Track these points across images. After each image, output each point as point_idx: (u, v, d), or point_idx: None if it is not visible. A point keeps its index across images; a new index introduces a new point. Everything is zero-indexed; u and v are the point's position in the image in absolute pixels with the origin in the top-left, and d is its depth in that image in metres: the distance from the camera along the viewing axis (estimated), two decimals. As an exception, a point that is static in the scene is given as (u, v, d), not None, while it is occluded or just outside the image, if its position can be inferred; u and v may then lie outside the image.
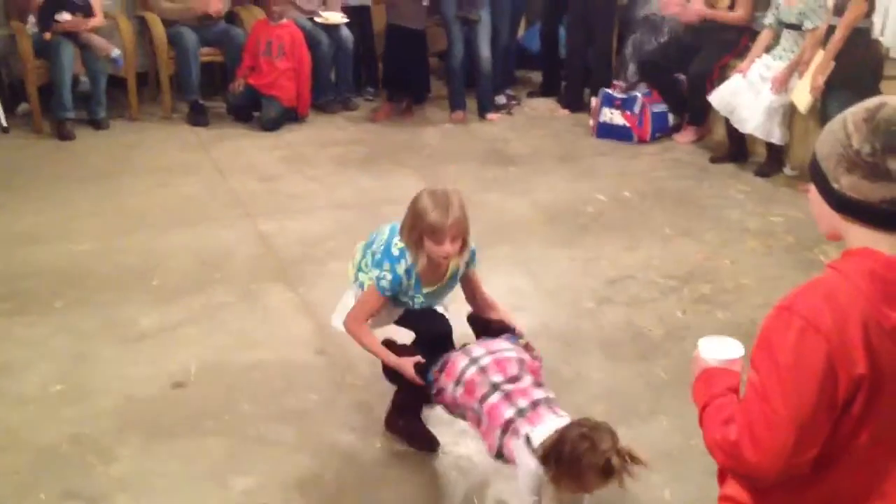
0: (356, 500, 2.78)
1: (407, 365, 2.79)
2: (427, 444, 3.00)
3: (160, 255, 4.39)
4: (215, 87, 6.92)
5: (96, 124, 6.26)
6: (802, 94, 5.01)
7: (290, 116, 6.46)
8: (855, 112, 1.40)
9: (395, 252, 2.76)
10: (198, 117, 6.44)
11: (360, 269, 2.94)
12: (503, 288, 4.07)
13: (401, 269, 2.75)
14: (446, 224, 2.63)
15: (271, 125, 6.31)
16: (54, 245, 4.47)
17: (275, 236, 4.64)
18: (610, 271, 4.25)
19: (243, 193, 5.18)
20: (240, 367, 3.46)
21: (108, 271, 4.22)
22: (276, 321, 3.81)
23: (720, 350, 1.65)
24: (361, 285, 2.88)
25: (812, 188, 1.48)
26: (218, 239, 4.59)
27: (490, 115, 6.64)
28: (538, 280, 4.17)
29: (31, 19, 6.12)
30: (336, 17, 6.71)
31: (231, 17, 6.85)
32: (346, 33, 6.70)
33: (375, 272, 2.78)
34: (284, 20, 6.38)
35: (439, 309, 3.03)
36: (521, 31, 7.60)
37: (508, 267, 4.28)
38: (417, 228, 2.68)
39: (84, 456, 2.94)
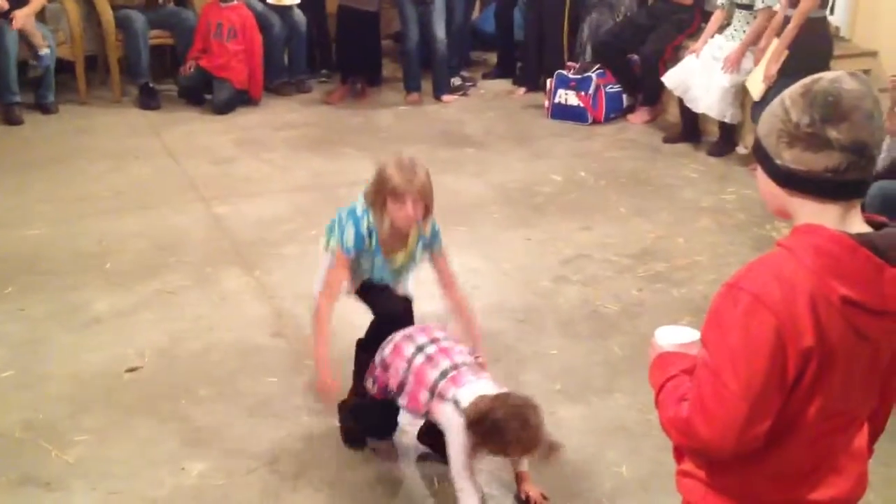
0: (316, 482, 2.78)
1: (324, 376, 2.78)
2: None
3: (113, 239, 4.33)
4: (166, 69, 6.82)
5: (45, 108, 6.13)
6: (756, 82, 5.07)
7: (243, 99, 6.38)
8: (792, 89, 1.43)
9: (359, 212, 2.78)
10: (148, 100, 6.33)
11: (329, 235, 2.92)
12: (460, 268, 4.06)
13: (363, 226, 2.76)
14: (410, 186, 2.66)
15: (224, 108, 6.24)
16: (5, 231, 4.39)
17: (229, 220, 4.59)
18: (566, 251, 4.28)
19: (197, 177, 5.12)
20: (195, 351, 3.43)
21: (61, 256, 4.15)
22: (232, 305, 3.78)
23: (676, 336, 1.68)
24: (333, 251, 2.87)
25: (758, 168, 1.50)
26: (172, 223, 4.54)
27: (445, 97, 6.63)
28: (494, 260, 4.19)
29: None
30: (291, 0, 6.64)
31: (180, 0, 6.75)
32: (298, 15, 6.64)
33: (339, 234, 2.79)
34: (235, 2, 6.29)
35: (404, 289, 3.02)
36: (476, 13, 7.60)
37: (465, 247, 4.28)
38: (382, 192, 2.70)
39: (38, 441, 2.90)
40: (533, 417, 2.39)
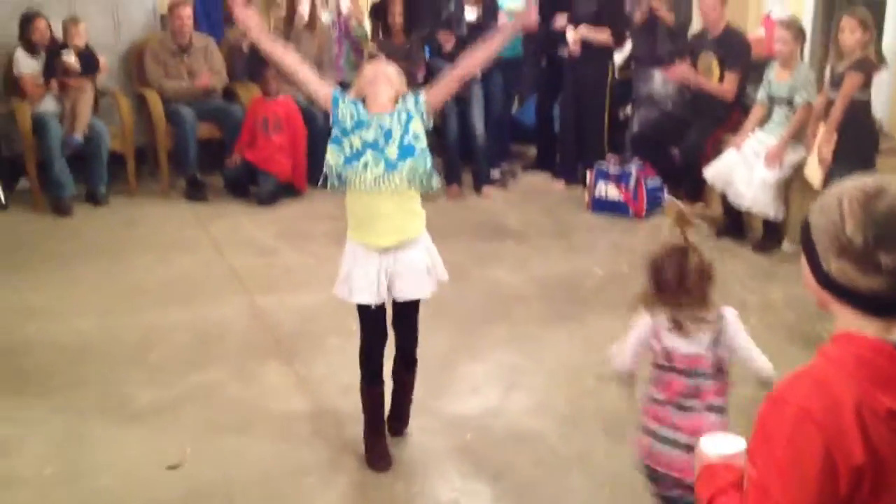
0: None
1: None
2: (380, 461, 3.22)
3: (157, 331, 4.36)
4: (213, 162, 6.97)
5: (95, 200, 6.29)
6: (813, 170, 5.06)
7: (287, 191, 6.50)
8: (852, 193, 1.38)
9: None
10: (195, 193, 6.47)
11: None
12: (500, 365, 4.06)
13: (345, 94, 3.07)
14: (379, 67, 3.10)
15: (268, 200, 6.35)
16: (53, 322, 4.45)
17: (271, 312, 4.62)
18: (610, 347, 4.22)
19: (240, 269, 5.18)
20: (235, 447, 3.41)
21: (106, 348, 4.19)
22: (272, 399, 3.77)
23: (722, 445, 1.63)
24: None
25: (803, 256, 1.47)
26: (215, 315, 4.57)
27: (485, 190, 6.69)
28: (536, 357, 4.15)
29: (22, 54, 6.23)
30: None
31: (228, 94, 6.94)
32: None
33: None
34: (280, 96, 6.47)
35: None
36: (516, 106, 7.71)
37: (504, 343, 4.27)
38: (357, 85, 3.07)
39: (77, 542, 2.88)
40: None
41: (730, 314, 2.51)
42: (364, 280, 3.04)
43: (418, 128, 3.02)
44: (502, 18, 6.66)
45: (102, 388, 3.82)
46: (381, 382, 3.25)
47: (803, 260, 1.47)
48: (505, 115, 7.17)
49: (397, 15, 6.83)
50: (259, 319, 4.55)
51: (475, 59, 3.18)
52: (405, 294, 3.10)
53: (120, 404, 3.69)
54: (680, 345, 2.50)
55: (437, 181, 3.10)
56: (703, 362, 2.52)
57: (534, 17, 3.40)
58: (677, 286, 2.45)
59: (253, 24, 3.19)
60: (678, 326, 2.48)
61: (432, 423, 3.59)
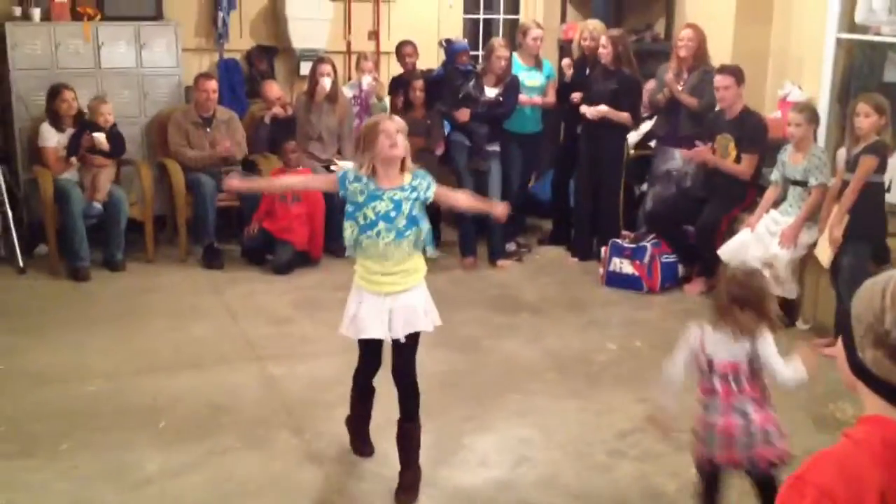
0: None
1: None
2: (364, 447, 3.79)
3: (168, 397, 4.36)
4: (231, 230, 7.04)
5: (113, 266, 6.35)
6: (823, 250, 5.07)
7: (303, 260, 6.54)
8: None
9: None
10: (212, 260, 6.53)
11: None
12: (510, 438, 4.02)
13: (351, 174, 3.42)
14: (394, 123, 3.35)
15: (283, 269, 6.39)
16: (64, 386, 4.46)
17: (283, 380, 4.61)
18: (622, 423, 4.18)
19: (254, 337, 5.20)
20: (242, 516, 3.38)
21: (117, 413, 4.19)
22: (281, 469, 3.74)
23: None
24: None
25: (839, 340, 1.47)
26: (226, 382, 4.57)
27: (500, 262, 6.71)
28: (547, 431, 4.11)
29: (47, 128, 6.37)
30: (349, 165, 6.88)
31: (248, 165, 7.05)
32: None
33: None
34: (300, 168, 6.57)
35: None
36: (532, 180, 7.78)
37: (517, 416, 4.24)
38: (371, 134, 3.32)
39: None
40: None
41: (768, 333, 3.02)
42: (369, 319, 3.45)
43: (421, 204, 3.45)
44: (523, 97, 6.78)
45: (111, 452, 3.81)
46: (372, 392, 3.77)
47: (839, 343, 1.47)
48: (522, 190, 7.24)
49: (418, 90, 6.96)
50: (271, 387, 4.54)
51: (464, 203, 3.88)
52: (406, 329, 3.45)
53: (128, 470, 3.68)
54: (721, 353, 3.06)
55: (432, 244, 3.54)
56: (740, 367, 3.03)
57: (500, 211, 3.95)
58: (754, 301, 3.00)
59: (246, 186, 4.33)
60: (733, 334, 3.02)
61: (439, 495, 3.56)
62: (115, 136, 6.43)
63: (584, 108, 6.56)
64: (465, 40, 7.56)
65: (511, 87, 6.63)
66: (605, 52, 6.50)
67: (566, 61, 7.00)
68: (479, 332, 5.31)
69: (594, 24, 6.95)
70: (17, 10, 6.74)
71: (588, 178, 6.80)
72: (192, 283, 6.19)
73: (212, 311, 5.65)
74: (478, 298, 5.99)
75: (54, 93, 6.39)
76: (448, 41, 7.34)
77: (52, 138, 6.39)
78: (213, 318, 5.52)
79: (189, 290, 6.04)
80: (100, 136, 6.30)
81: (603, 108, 6.48)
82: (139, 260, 6.56)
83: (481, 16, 9.09)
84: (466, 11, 8.88)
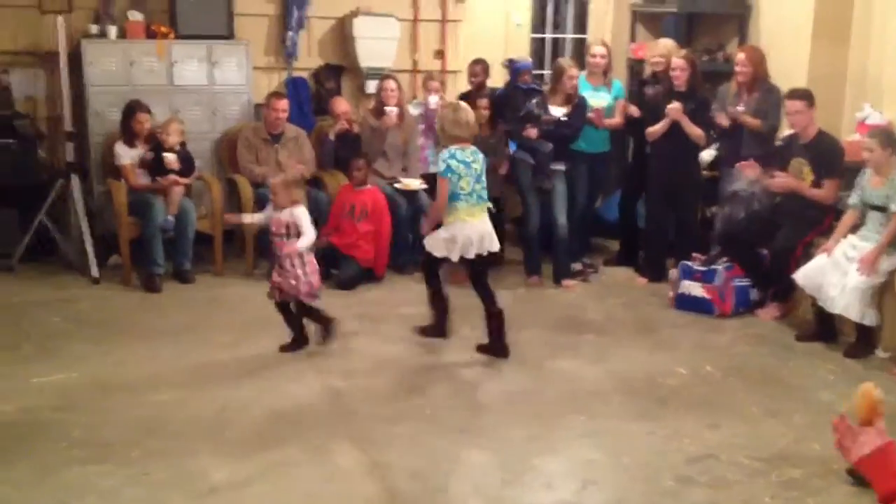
0: None
1: None
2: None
3: (233, 408, 4.39)
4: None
5: (182, 278, 6.45)
6: None
7: (367, 277, 6.56)
8: None
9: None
10: (278, 274, 6.57)
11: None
12: (576, 460, 3.94)
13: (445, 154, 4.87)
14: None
15: (348, 284, 6.41)
16: (134, 395, 4.52)
17: (345, 393, 4.61)
18: (691, 449, 4.07)
19: (317, 350, 5.20)
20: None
21: (185, 422, 4.23)
22: (343, 481, 3.72)
23: None
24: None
25: None
26: (290, 394, 4.58)
27: (566, 282, 6.64)
28: (614, 454, 4.01)
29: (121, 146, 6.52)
30: (415, 183, 6.93)
31: (315, 182, 7.11)
32: (424, 199, 6.87)
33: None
34: (368, 186, 6.60)
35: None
36: (599, 201, 7.70)
37: (582, 438, 4.15)
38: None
39: None
40: None
41: None
42: (463, 242, 4.97)
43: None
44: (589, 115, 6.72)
45: (180, 460, 3.83)
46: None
47: None
48: (588, 210, 7.16)
49: (483, 108, 6.95)
50: (333, 401, 4.53)
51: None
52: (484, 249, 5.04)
53: (195, 478, 3.69)
54: None
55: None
56: None
57: (423, 230, 5.22)
58: None
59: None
60: None
61: (505, 516, 3.49)
62: (184, 157, 6.54)
63: (670, 107, 6.42)
64: (530, 59, 7.52)
65: (579, 107, 6.58)
66: (678, 75, 6.42)
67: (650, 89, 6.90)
68: (543, 351, 5.25)
69: (666, 44, 6.87)
70: (94, 28, 6.93)
71: (661, 199, 6.70)
72: (258, 296, 6.20)
73: (277, 324, 5.65)
74: (542, 317, 5.93)
75: (129, 112, 6.53)
76: (511, 60, 7.32)
77: (126, 155, 6.53)
78: (277, 331, 5.53)
79: (255, 303, 6.06)
80: (170, 157, 6.43)
81: (686, 120, 6.37)
82: (208, 272, 6.65)
83: (549, 35, 9.07)
84: (534, 31, 8.88)
